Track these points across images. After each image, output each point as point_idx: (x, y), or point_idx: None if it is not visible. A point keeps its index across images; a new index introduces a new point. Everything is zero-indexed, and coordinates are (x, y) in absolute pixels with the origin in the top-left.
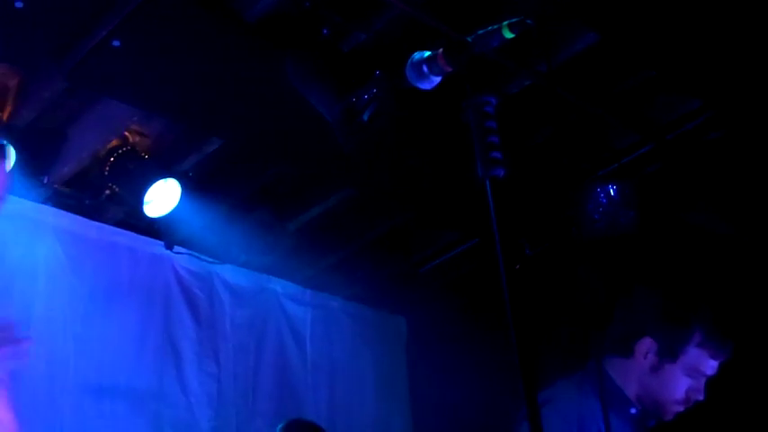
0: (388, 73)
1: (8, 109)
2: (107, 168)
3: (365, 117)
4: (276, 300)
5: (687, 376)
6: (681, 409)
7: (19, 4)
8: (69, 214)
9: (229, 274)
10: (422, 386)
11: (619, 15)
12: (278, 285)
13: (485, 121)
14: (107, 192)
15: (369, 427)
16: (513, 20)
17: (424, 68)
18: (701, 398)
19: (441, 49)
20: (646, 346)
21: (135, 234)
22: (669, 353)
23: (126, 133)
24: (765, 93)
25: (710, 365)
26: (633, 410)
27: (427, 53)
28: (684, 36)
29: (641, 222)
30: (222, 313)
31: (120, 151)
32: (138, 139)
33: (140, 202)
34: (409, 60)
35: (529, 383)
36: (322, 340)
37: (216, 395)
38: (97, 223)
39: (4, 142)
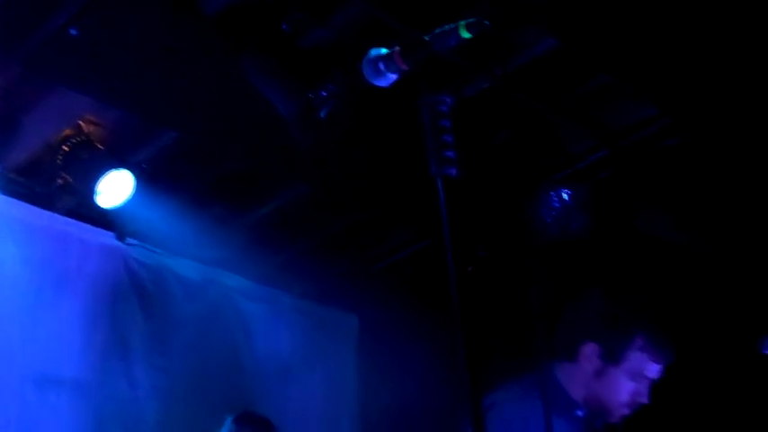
0: (347, 70)
1: None
2: (60, 157)
3: (322, 114)
4: (228, 294)
5: (631, 380)
6: (626, 411)
7: None
8: (20, 202)
9: (181, 267)
10: (371, 384)
11: (577, 20)
12: (230, 280)
13: (439, 120)
14: (59, 181)
15: (316, 423)
16: (471, 20)
17: (381, 66)
18: (645, 401)
19: (398, 47)
20: (589, 350)
21: (86, 224)
22: (612, 357)
23: (80, 123)
24: (721, 101)
25: (653, 369)
26: (579, 413)
27: (384, 50)
28: (643, 42)
29: (593, 227)
30: (173, 306)
31: (73, 141)
32: (92, 128)
33: (93, 193)
34: (366, 57)
35: (474, 386)
36: (273, 336)
37: (163, 389)
38: (48, 212)
39: None
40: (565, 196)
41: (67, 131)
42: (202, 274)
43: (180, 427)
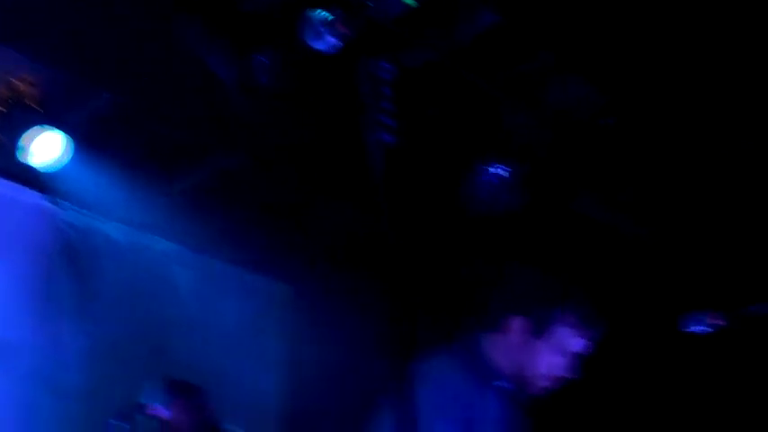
0: (287, 35)
1: None
2: None
3: (262, 80)
4: (159, 260)
5: (556, 354)
6: (549, 384)
7: None
8: None
9: (113, 231)
10: (303, 354)
11: None
12: (162, 246)
13: (378, 87)
14: None
15: (246, 392)
16: None
17: (322, 29)
18: (569, 375)
19: (339, 11)
20: (517, 323)
21: (17, 185)
22: (539, 330)
23: (14, 81)
24: (659, 84)
25: (578, 344)
26: (505, 385)
27: (326, 14)
28: (581, 22)
29: (526, 204)
30: (103, 270)
31: (6, 99)
32: (25, 88)
33: (24, 153)
34: (307, 20)
35: (403, 356)
36: (204, 304)
37: (92, 352)
38: None
39: None
40: (500, 172)
41: (0, 90)
42: (134, 239)
43: (107, 391)
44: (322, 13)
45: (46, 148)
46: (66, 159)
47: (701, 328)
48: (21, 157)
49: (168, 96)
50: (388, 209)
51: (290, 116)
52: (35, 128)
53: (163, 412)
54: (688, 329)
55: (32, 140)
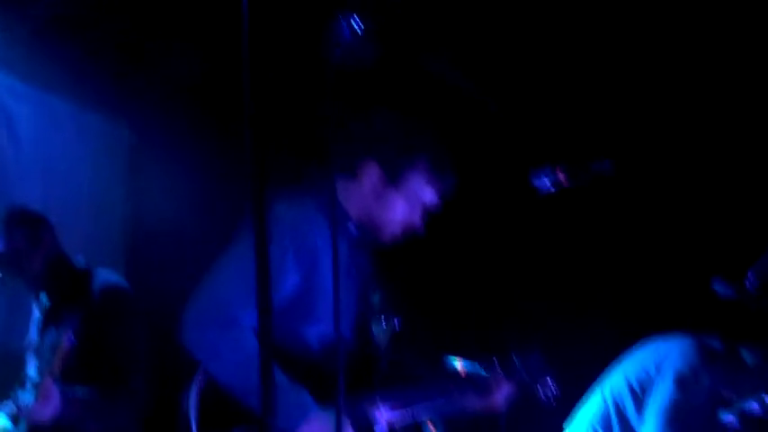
0: None
1: None
2: None
3: None
4: None
5: (406, 202)
6: (397, 232)
7: None
8: None
9: None
10: (143, 197)
11: None
12: None
13: None
14: None
15: (81, 233)
16: None
17: None
18: (418, 225)
19: None
20: (371, 168)
21: None
22: (392, 177)
23: None
24: None
25: (429, 194)
26: (353, 230)
27: None
28: None
29: (382, 59)
30: None
31: None
32: None
33: None
34: None
35: (258, 197)
36: (40, 140)
37: None
38: None
39: None
40: (354, 24)
41: None
42: None
43: None
44: None
45: None
46: None
47: (546, 184)
48: None
49: None
50: (246, 56)
51: None
52: None
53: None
54: (535, 185)
55: None
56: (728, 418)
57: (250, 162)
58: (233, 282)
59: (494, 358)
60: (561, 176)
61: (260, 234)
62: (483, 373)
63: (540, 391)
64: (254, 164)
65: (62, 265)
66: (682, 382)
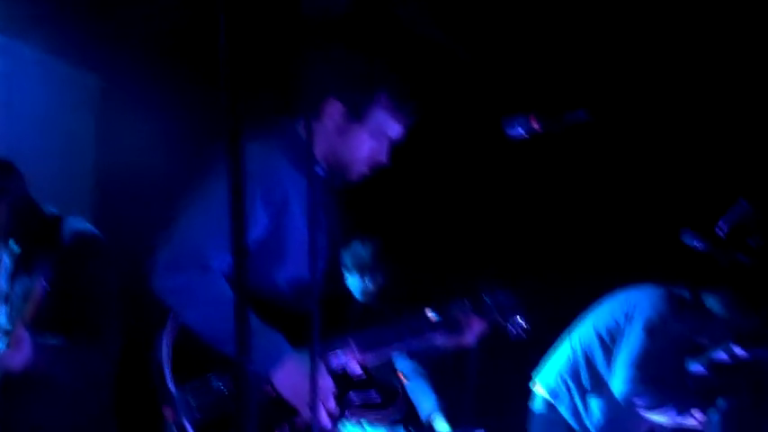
0: None
1: None
2: None
3: None
4: None
5: (372, 138)
6: (365, 169)
7: None
8: None
9: None
10: (113, 148)
11: None
12: None
13: None
14: None
15: (50, 180)
16: None
17: None
18: (384, 161)
19: None
20: (333, 106)
21: None
22: (355, 114)
23: None
24: None
25: (394, 128)
26: (320, 171)
27: None
28: None
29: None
30: None
31: None
32: None
33: None
34: None
35: (233, 140)
36: (5, 86)
37: None
38: None
39: None
40: None
41: None
42: None
43: None
44: None
45: None
46: None
47: (519, 131)
48: None
49: None
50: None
51: None
52: None
53: None
54: (507, 133)
55: None
56: (696, 366)
57: (225, 105)
58: (204, 225)
59: (464, 298)
60: (535, 125)
61: (236, 177)
62: (454, 312)
63: (511, 328)
64: (229, 107)
65: (31, 212)
66: (651, 331)
